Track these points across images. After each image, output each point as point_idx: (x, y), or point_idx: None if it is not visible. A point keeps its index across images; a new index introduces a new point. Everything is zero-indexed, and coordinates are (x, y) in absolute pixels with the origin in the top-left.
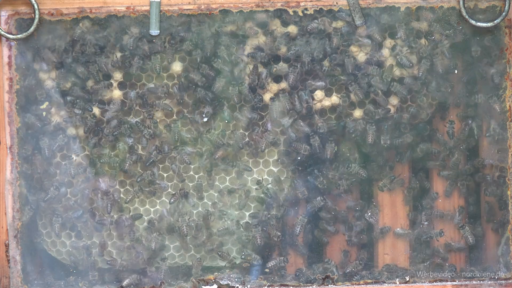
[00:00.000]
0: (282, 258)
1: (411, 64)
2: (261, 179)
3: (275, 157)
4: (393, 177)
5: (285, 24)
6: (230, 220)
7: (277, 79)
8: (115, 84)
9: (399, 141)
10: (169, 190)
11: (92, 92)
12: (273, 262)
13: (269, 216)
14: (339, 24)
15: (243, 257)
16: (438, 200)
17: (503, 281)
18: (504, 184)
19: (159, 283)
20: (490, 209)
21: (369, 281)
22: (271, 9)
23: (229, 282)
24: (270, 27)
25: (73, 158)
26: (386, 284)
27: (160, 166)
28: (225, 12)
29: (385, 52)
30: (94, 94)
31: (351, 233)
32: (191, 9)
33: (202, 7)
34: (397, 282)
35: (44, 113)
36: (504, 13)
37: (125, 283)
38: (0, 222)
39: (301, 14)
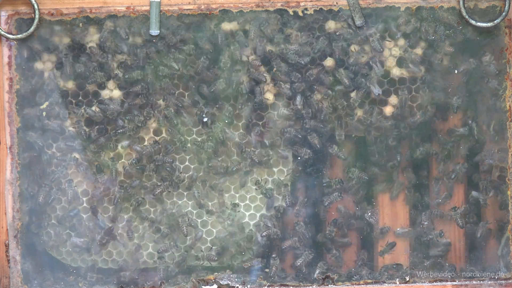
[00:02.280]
0: (306, 252)
1: (381, 49)
2: (260, 179)
3: (275, 157)
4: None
5: (284, 24)
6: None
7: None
8: (115, 84)
9: (421, 120)
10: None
11: (92, 92)
12: (300, 260)
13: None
14: (338, 25)
15: (243, 253)
16: (438, 201)
17: (503, 281)
18: (504, 184)
19: (159, 283)
20: (490, 209)
21: (369, 281)
22: (271, 9)
23: (229, 282)
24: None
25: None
26: (386, 284)
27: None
28: (225, 12)
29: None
30: (94, 93)
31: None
32: (191, 9)
33: (202, 7)
34: (397, 282)
35: (44, 113)
36: (504, 13)
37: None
38: (0, 222)
39: (301, 14)
